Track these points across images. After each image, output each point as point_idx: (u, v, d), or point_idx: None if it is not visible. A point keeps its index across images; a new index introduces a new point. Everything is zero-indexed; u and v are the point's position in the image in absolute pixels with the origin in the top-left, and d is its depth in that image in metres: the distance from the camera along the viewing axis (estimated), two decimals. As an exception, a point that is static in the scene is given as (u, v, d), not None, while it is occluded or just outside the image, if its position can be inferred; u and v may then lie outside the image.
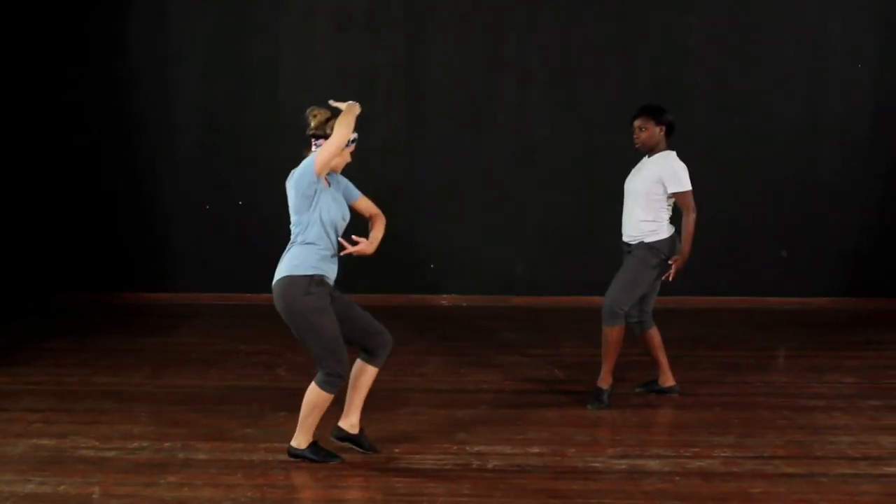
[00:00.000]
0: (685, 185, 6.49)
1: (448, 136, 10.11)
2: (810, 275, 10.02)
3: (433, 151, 10.13)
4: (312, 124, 5.41)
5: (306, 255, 5.34)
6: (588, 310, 9.58)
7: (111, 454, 5.74)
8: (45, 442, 5.94)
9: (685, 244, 6.44)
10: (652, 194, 6.51)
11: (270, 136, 9.66)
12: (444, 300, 10.13)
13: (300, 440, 5.56)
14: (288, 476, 5.42)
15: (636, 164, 6.76)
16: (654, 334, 6.79)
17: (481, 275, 10.17)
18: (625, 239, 6.67)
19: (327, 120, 5.38)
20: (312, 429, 5.51)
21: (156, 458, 5.68)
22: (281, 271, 5.36)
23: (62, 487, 5.25)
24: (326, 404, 5.44)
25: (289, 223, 5.45)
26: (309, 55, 10.08)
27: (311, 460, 5.54)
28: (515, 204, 10.12)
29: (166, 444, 5.90)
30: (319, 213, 5.35)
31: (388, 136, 10.09)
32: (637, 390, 6.94)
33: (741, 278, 10.04)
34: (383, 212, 5.76)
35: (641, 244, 6.53)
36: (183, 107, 10.15)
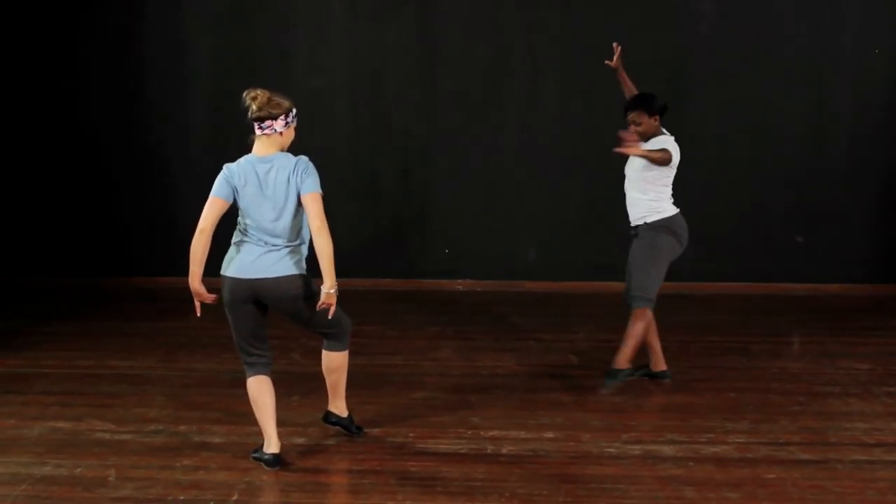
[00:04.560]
0: (669, 148, 6.44)
1: (460, 121, 10.07)
2: (823, 261, 9.97)
3: (446, 136, 10.10)
4: (255, 107, 5.17)
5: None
6: (601, 295, 9.61)
7: (127, 437, 5.78)
8: (60, 425, 5.97)
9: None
10: (647, 175, 6.55)
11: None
12: (460, 285, 10.11)
13: (342, 406, 5.71)
14: (303, 459, 5.44)
15: None
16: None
17: (495, 260, 10.15)
18: (631, 222, 6.70)
19: (269, 99, 5.19)
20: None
21: (171, 441, 5.71)
22: (293, 269, 5.27)
23: (78, 470, 5.29)
24: None
25: None
26: (320, 39, 10.05)
27: (348, 430, 5.76)
28: (528, 189, 10.09)
29: (181, 428, 5.93)
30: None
31: (401, 121, 10.07)
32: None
33: (754, 264, 10.01)
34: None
35: (645, 225, 6.58)
36: (193, 91, 10.12)
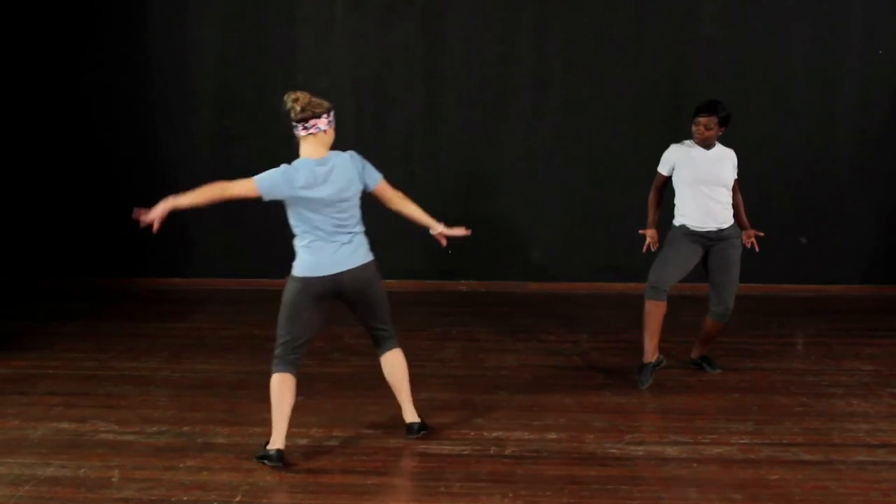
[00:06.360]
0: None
1: (464, 122, 10.08)
2: (827, 262, 9.96)
3: (450, 136, 10.10)
4: (298, 108, 5.31)
5: None
6: (604, 296, 9.63)
7: (130, 438, 5.78)
8: (64, 425, 5.98)
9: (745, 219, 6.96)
10: (731, 182, 6.85)
11: (287, 122, 9.61)
12: (463, 286, 10.11)
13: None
14: (306, 460, 5.44)
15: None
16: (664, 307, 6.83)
17: (499, 261, 10.15)
18: (713, 227, 6.80)
19: (311, 100, 5.35)
20: None
21: (175, 443, 5.72)
22: (368, 255, 5.55)
23: (82, 471, 5.29)
24: None
25: None
26: (326, 39, 10.05)
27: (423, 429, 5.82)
28: (532, 190, 10.10)
29: (185, 429, 5.93)
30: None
31: (405, 122, 10.08)
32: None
33: (758, 266, 9.96)
34: (402, 197, 5.82)
35: (729, 230, 6.84)
36: (200, 92, 10.12)
